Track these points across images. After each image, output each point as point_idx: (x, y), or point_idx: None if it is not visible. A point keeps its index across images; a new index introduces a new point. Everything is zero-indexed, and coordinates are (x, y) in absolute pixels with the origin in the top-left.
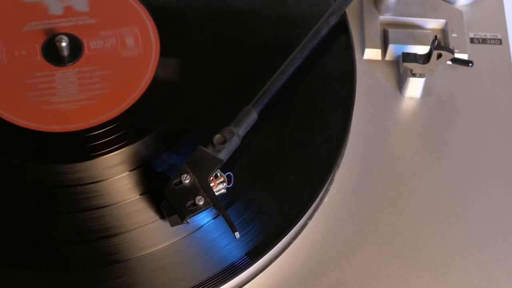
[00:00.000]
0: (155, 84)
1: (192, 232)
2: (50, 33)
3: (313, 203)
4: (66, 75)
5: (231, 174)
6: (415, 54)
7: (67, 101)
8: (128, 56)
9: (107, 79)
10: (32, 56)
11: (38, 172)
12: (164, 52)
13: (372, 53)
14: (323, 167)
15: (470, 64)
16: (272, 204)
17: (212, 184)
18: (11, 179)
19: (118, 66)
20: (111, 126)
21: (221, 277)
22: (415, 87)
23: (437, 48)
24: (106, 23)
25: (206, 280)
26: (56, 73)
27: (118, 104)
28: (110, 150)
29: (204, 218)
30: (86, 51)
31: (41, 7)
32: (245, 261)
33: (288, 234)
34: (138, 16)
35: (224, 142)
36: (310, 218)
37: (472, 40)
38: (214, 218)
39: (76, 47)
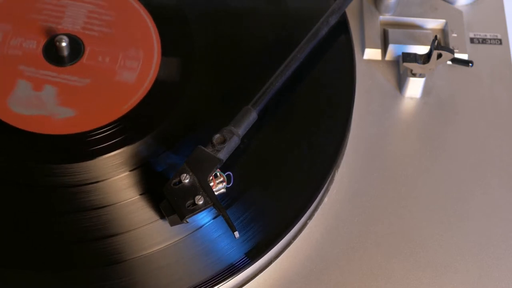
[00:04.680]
0: (156, 84)
1: (192, 232)
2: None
3: (313, 203)
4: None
5: (231, 174)
6: (415, 54)
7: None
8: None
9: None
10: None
11: (39, 172)
12: (165, 53)
13: (372, 53)
14: (323, 167)
15: (470, 64)
16: (272, 204)
17: (211, 184)
18: (12, 180)
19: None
20: (111, 127)
21: (221, 277)
22: (415, 87)
23: (437, 48)
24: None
25: (206, 280)
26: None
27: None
28: (110, 150)
29: (204, 218)
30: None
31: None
32: (245, 261)
33: (288, 234)
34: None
35: (223, 142)
36: (310, 218)
37: (472, 40)
38: (214, 218)
39: (76, 47)
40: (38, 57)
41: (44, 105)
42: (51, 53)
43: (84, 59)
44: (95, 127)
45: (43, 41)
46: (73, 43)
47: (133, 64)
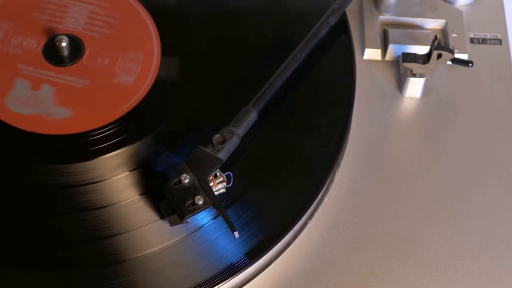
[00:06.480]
0: (155, 84)
1: (192, 232)
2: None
3: (313, 203)
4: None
5: (231, 174)
6: (415, 54)
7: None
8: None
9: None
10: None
11: (38, 172)
12: (165, 52)
13: (372, 53)
14: (323, 167)
15: (470, 64)
16: (272, 204)
17: (211, 184)
18: (12, 180)
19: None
20: (111, 127)
21: (221, 277)
22: (415, 87)
23: (437, 48)
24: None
25: (206, 280)
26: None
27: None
28: (110, 150)
29: (204, 218)
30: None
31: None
32: (245, 261)
33: (288, 234)
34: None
35: (223, 142)
36: (310, 218)
37: (472, 40)
38: (214, 218)
39: (76, 47)
40: (37, 56)
41: (42, 105)
42: (51, 53)
43: (84, 59)
44: (95, 127)
45: (43, 40)
46: (73, 43)
47: (132, 65)
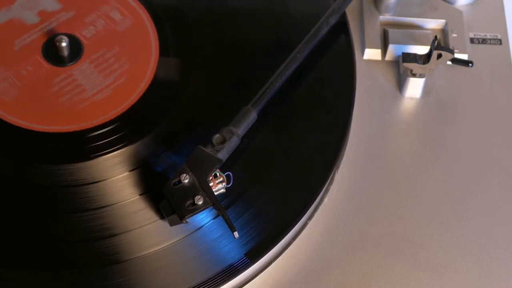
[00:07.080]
0: (155, 84)
1: (192, 233)
2: (41, 41)
3: (313, 203)
4: (83, 69)
5: (231, 174)
6: (415, 54)
7: (99, 91)
8: (123, 29)
9: (120, 55)
10: (39, 67)
11: (38, 172)
12: (164, 52)
13: (372, 53)
14: (323, 167)
15: (470, 64)
16: (272, 204)
17: (211, 184)
18: (12, 179)
19: (121, 40)
20: (111, 127)
21: (221, 277)
22: (415, 87)
23: (437, 48)
24: (85, 10)
25: (206, 280)
26: (72, 71)
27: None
28: (110, 150)
29: (204, 219)
30: (84, 41)
31: (17, 23)
32: (245, 261)
33: (288, 234)
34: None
35: (223, 142)
36: (310, 218)
37: (472, 40)
38: (214, 218)
39: (76, 46)
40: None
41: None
42: (51, 53)
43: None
44: (94, 125)
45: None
46: (73, 43)
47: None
